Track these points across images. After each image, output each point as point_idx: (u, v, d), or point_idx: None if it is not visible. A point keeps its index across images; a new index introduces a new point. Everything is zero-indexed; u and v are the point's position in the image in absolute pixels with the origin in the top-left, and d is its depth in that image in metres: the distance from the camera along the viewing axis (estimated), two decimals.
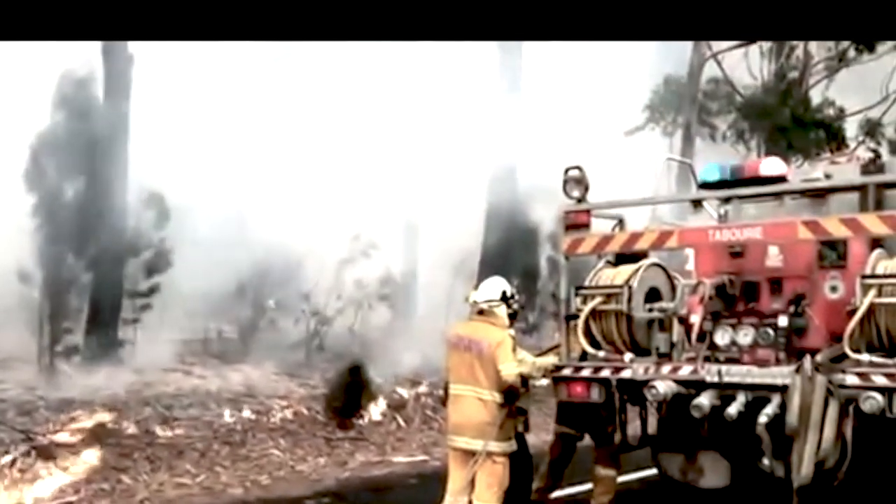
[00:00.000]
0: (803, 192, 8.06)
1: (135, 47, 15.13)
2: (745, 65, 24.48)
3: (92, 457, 10.52)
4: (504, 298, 7.44)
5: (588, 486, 8.77)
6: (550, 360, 7.72)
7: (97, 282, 14.82)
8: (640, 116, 24.49)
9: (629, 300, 7.50)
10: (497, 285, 7.53)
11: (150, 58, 15.79)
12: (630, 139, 23.45)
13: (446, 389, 7.71)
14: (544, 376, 7.84)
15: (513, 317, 7.59)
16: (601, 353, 7.69)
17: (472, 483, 7.33)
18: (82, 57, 14.81)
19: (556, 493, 8.97)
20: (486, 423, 7.18)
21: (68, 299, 14.44)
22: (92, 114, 14.80)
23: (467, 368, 7.30)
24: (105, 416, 11.44)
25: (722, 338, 7.16)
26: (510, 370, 7.14)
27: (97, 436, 10.91)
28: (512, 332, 7.46)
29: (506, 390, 7.21)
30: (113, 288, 15.09)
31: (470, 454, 7.26)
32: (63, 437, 10.70)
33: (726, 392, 6.84)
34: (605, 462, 8.52)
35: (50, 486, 9.82)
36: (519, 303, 7.75)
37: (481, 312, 7.45)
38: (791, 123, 22.63)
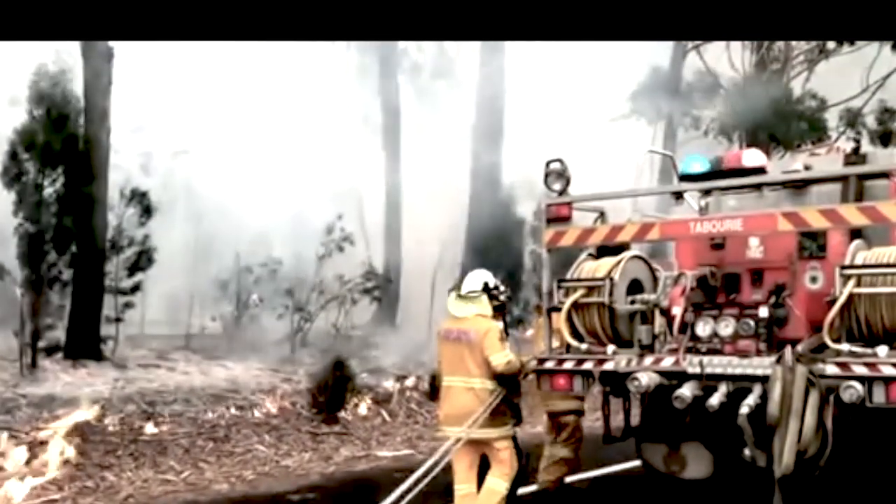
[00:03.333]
0: (784, 184, 8.11)
1: (115, 42, 15.07)
2: (727, 56, 24.55)
3: (75, 454, 10.49)
4: (486, 289, 7.50)
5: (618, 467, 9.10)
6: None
7: (79, 279, 14.77)
8: (625, 107, 24.52)
9: (611, 292, 7.52)
10: (479, 276, 7.61)
11: (130, 53, 15.74)
12: (615, 131, 23.48)
13: (432, 383, 7.76)
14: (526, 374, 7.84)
15: (500, 309, 7.63)
16: (584, 346, 7.72)
17: (478, 469, 7.49)
18: (61, 53, 14.75)
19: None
20: (476, 412, 7.23)
21: (50, 296, 14.38)
22: (72, 110, 14.74)
23: (458, 359, 7.37)
24: (88, 413, 11.41)
25: (703, 329, 7.17)
26: (499, 359, 7.23)
27: (80, 433, 10.89)
28: (500, 324, 7.51)
29: (498, 376, 7.28)
30: (95, 285, 15.04)
31: (468, 442, 7.33)
32: (46, 434, 10.66)
33: (708, 383, 6.86)
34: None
35: (33, 484, 9.78)
36: (506, 294, 7.79)
37: (467, 303, 7.51)
38: (772, 115, 22.70)
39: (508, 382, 7.41)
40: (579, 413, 9.01)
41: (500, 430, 7.35)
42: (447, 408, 7.49)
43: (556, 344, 7.88)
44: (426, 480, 7.27)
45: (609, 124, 23.39)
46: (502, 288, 7.79)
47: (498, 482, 7.39)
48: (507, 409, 7.46)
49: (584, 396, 8.58)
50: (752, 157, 8.14)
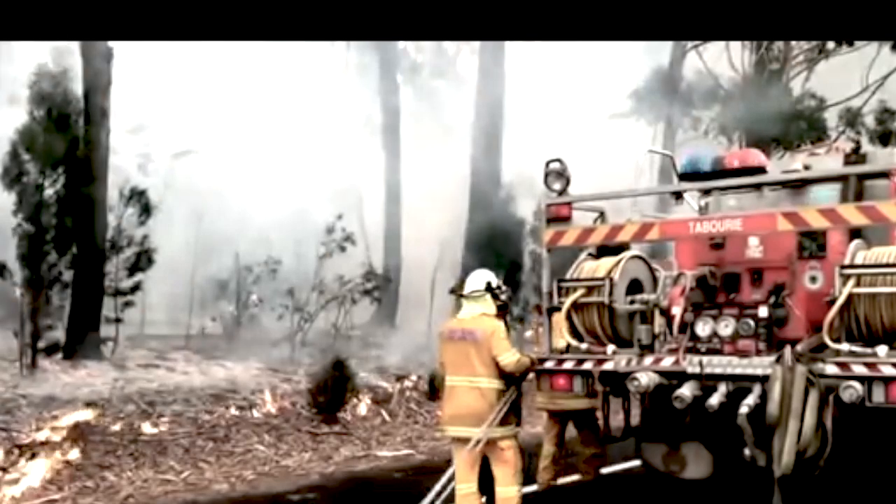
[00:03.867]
0: (783, 184, 8.11)
1: (115, 42, 15.08)
2: (727, 56, 24.55)
3: (75, 454, 10.49)
4: (489, 289, 7.51)
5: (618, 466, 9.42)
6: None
7: (79, 279, 14.78)
8: (625, 107, 24.52)
9: (611, 292, 7.53)
10: (481, 276, 7.61)
11: (130, 53, 15.75)
12: (615, 131, 23.50)
13: (432, 383, 7.76)
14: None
15: (502, 308, 7.64)
16: (584, 346, 7.72)
17: (480, 469, 7.45)
18: (61, 53, 14.76)
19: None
20: (487, 412, 7.24)
21: (50, 297, 14.39)
22: (72, 110, 14.75)
23: (463, 359, 7.36)
24: (88, 414, 11.41)
25: (703, 329, 7.17)
26: (509, 358, 7.26)
27: (80, 433, 10.88)
28: (502, 324, 7.52)
29: (506, 376, 7.30)
30: (95, 285, 15.04)
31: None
32: (46, 434, 10.66)
33: (708, 383, 6.87)
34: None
35: (33, 484, 9.78)
36: (507, 294, 7.80)
37: (470, 303, 7.52)
38: (772, 115, 22.70)
39: (517, 381, 7.43)
40: (593, 410, 9.04)
41: (504, 430, 7.35)
42: (452, 408, 7.47)
43: (562, 343, 7.89)
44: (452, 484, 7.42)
45: (609, 124, 23.41)
46: (504, 287, 7.80)
47: (508, 490, 7.39)
48: (512, 410, 7.47)
49: (596, 394, 8.59)
50: (752, 156, 8.15)
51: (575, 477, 9.50)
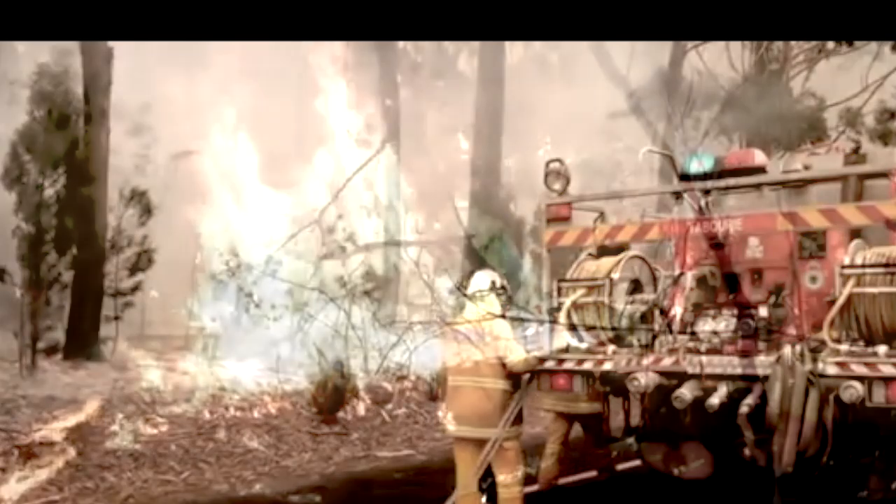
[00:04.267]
0: (784, 184, 8.11)
1: (114, 42, 15.08)
2: (727, 56, 24.52)
3: (75, 454, 10.49)
4: (493, 288, 7.52)
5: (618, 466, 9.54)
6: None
7: (79, 279, 14.78)
8: (624, 107, 24.48)
9: (611, 292, 7.53)
10: (485, 276, 7.65)
11: (130, 53, 15.74)
12: (615, 131, 23.47)
13: (432, 383, 7.75)
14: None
15: (505, 308, 7.65)
16: (584, 346, 7.72)
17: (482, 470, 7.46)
18: (61, 53, 14.76)
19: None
20: (492, 412, 7.26)
21: (50, 297, 14.40)
22: (72, 110, 14.76)
23: (467, 359, 7.37)
24: (88, 414, 11.40)
25: (703, 329, 7.18)
26: (517, 357, 7.30)
27: (80, 433, 10.88)
28: (507, 324, 7.52)
29: (510, 375, 7.31)
30: (95, 285, 15.05)
31: (475, 442, 7.33)
32: (46, 435, 10.66)
33: (708, 383, 6.86)
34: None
35: (33, 485, 9.77)
36: (508, 294, 7.81)
37: (475, 303, 7.52)
38: (772, 115, 22.66)
39: (521, 381, 7.43)
40: (601, 413, 9.04)
41: (508, 430, 7.36)
42: (456, 408, 7.48)
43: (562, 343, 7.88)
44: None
45: (609, 125, 23.37)
46: (507, 288, 7.81)
47: (510, 490, 7.41)
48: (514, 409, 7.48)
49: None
50: (752, 156, 8.16)
51: (576, 476, 9.51)
